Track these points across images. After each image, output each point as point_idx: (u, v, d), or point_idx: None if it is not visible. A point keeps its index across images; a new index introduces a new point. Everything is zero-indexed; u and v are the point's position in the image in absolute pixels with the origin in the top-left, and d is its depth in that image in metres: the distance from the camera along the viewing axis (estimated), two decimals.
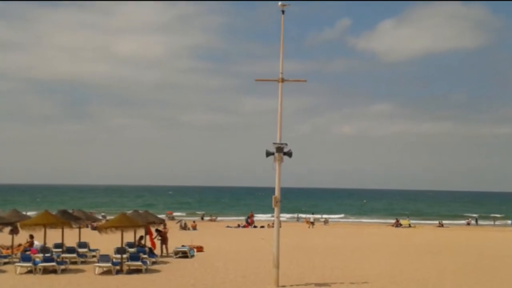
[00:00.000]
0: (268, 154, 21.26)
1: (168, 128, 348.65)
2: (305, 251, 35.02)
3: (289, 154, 21.25)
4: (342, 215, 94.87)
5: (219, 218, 77.82)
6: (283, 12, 21.53)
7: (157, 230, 33.05)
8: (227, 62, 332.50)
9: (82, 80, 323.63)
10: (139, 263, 25.56)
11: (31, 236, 30.50)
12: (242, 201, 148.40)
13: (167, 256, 31.72)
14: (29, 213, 41.68)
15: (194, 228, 56.18)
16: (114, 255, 27.28)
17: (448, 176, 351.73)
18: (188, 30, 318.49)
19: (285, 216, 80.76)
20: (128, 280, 22.92)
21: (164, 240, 32.69)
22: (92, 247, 31.17)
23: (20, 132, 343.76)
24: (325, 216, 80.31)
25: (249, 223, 62.41)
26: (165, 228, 33.37)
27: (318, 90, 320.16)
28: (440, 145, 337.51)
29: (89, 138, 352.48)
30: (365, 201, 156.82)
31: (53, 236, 30.79)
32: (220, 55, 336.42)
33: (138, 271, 25.22)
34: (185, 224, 56.96)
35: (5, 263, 27.28)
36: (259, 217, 77.24)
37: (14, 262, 26.60)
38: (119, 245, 27.07)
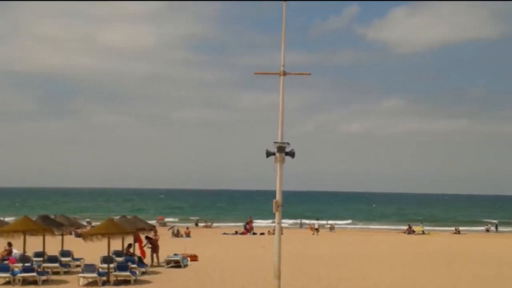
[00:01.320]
0: (269, 154, 21.27)
1: (159, 126, 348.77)
2: (309, 260, 35.05)
3: (291, 154, 21.26)
4: (349, 221, 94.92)
5: (215, 224, 77.83)
6: None
7: (147, 238, 33.06)
8: (224, 53, 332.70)
9: (64, 73, 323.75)
10: (128, 273, 25.59)
11: (9, 244, 30.49)
12: (240, 206, 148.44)
13: (158, 265, 31.74)
14: (7, 219, 41.69)
15: (188, 235, 56.17)
16: (100, 265, 27.30)
17: (466, 178, 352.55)
18: (182, 19, 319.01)
19: (287, 222, 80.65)
20: None
21: (154, 248, 32.71)
22: (76, 256, 31.19)
23: None
24: (330, 222, 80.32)
25: (248, 229, 62.43)
26: (155, 235, 33.38)
27: (323, 84, 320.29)
28: (456, 144, 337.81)
29: (72, 137, 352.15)
30: (374, 205, 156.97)
31: (34, 244, 30.79)
32: (216, 46, 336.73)
33: (126, 282, 25.24)
34: (177, 230, 56.98)
35: None
36: (258, 223, 77.18)
37: None
38: (106, 254, 27.09)
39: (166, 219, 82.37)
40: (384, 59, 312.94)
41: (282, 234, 23.84)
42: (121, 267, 26.04)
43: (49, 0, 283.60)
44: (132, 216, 34.24)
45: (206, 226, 74.27)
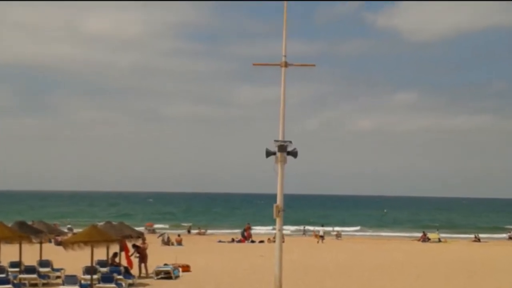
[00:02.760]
0: (269, 154, 21.30)
1: (148, 122, 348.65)
2: (313, 271, 35.06)
3: (294, 154, 21.30)
4: (357, 228, 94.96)
5: (209, 231, 77.85)
6: None
7: (134, 246, 33.07)
8: (219, 43, 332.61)
9: (43, 64, 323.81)
10: (113, 285, 25.61)
11: None
12: (237, 211, 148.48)
13: (147, 277, 31.74)
14: None
15: (179, 243, 56.17)
16: (82, 276, 27.31)
17: (487, 181, 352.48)
18: (172, 4, 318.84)
19: (289, 229, 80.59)
20: None
21: (143, 258, 32.72)
22: (56, 266, 31.18)
23: None
24: (337, 228, 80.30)
25: (246, 237, 62.44)
26: (144, 243, 33.38)
27: (329, 76, 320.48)
28: (477, 143, 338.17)
29: (52, 134, 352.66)
30: (385, 210, 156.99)
31: (9, 253, 30.78)
32: (210, 35, 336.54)
33: None
34: (168, 238, 56.97)
35: None
36: (257, 230, 77.12)
37: None
38: (89, 264, 27.10)
39: (156, 226, 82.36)
40: (396, 48, 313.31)
41: (283, 242, 23.86)
42: (106, 278, 26.05)
43: None
44: (118, 222, 34.23)
45: (199, 233, 74.27)
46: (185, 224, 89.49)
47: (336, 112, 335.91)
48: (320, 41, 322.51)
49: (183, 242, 56.53)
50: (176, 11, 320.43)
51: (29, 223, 33.14)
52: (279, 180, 21.45)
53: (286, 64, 21.71)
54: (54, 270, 30.55)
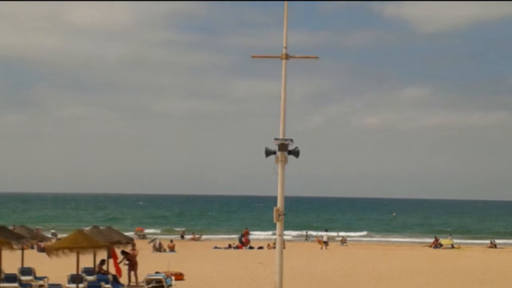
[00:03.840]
0: (269, 153, 21.32)
1: (138, 119, 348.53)
2: (316, 280, 35.07)
3: (295, 153, 21.31)
4: (364, 233, 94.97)
5: (204, 237, 77.89)
6: None
7: (123, 252, 33.07)
8: (215, 33, 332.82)
9: (25, 56, 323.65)
10: None
11: None
12: (234, 215, 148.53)
13: (137, 285, 31.75)
14: None
15: (172, 249, 56.17)
16: (67, 285, 27.30)
17: (504, 182, 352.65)
18: None
19: (290, 234, 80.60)
20: None
21: (132, 265, 32.72)
22: (38, 275, 31.16)
23: None
24: (342, 233, 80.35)
25: (244, 242, 62.46)
26: (133, 249, 33.38)
27: (333, 69, 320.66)
28: (493, 141, 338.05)
29: (34, 132, 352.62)
30: (394, 214, 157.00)
31: None
32: (205, 24, 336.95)
33: None
34: (160, 244, 56.98)
35: None
36: (256, 235, 77.14)
37: None
38: (74, 272, 27.10)
39: (146, 231, 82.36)
40: (405, 40, 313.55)
41: (284, 248, 23.87)
42: (93, 287, 26.04)
43: None
44: (106, 227, 34.22)
45: (194, 239, 74.29)
46: (178, 229, 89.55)
47: (341, 109, 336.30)
48: (323, 32, 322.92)
49: (176, 248, 56.51)
50: None
51: (10, 227, 33.16)
52: (279, 182, 21.47)
53: (287, 56, 21.72)
54: (36, 278, 30.52)
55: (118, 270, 31.71)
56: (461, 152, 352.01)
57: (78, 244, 25.40)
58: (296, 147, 21.31)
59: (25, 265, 31.44)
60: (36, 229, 49.30)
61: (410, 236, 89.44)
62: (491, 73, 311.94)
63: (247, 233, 65.50)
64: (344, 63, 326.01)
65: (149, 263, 38.88)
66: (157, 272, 33.19)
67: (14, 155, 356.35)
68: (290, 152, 21.29)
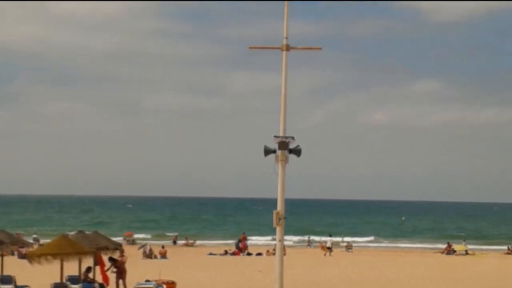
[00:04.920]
0: (268, 152, 21.34)
1: (127, 116, 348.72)
2: None
3: (297, 151, 21.33)
4: (371, 238, 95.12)
5: (198, 242, 77.96)
6: None
7: (111, 259, 33.10)
8: (210, 22, 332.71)
9: (4, 47, 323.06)
10: None
11: None
12: (230, 218, 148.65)
13: None
14: None
15: (164, 256, 56.21)
16: None
17: None
18: None
19: (291, 239, 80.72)
20: None
21: (121, 273, 32.75)
22: (19, 283, 31.19)
23: None
24: (347, 239, 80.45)
25: (241, 248, 62.52)
26: (122, 256, 33.42)
27: (338, 62, 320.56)
28: (510, 139, 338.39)
29: (14, 129, 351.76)
30: (403, 218, 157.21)
31: None
32: (199, 13, 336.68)
33: None
34: (150, 250, 57.03)
35: None
36: (254, 241, 77.24)
37: None
38: (58, 280, 27.12)
39: (136, 236, 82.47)
40: (416, 30, 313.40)
41: (284, 254, 23.91)
42: None
43: None
44: (92, 231, 34.25)
45: (187, 245, 74.37)
46: (170, 234, 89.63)
47: (346, 104, 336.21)
48: (327, 21, 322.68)
49: (167, 255, 56.58)
50: None
51: None
52: (279, 183, 21.49)
53: (288, 48, 21.74)
54: (17, 287, 30.55)
55: (105, 278, 31.73)
56: (476, 151, 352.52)
57: (62, 250, 25.43)
58: (298, 146, 21.32)
59: (5, 273, 31.44)
60: (17, 234, 49.27)
61: (420, 242, 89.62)
62: (508, 65, 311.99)
63: (245, 239, 65.53)
64: (350, 54, 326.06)
65: (139, 271, 38.92)
66: (147, 281, 33.19)
67: None
68: (291, 151, 21.30)
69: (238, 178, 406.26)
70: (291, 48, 21.73)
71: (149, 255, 55.92)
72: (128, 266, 33.77)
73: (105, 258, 32.54)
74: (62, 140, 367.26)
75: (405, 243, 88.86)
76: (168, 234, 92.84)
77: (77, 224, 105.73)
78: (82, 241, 29.65)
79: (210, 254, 61.13)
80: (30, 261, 25.65)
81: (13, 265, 36.96)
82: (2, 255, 31.40)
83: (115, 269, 32.92)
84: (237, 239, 67.08)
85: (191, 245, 74.54)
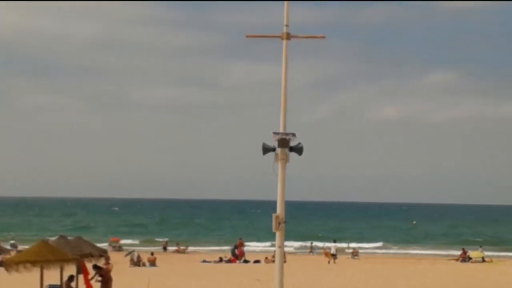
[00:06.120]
0: (267, 150, 21.38)
1: (113, 111, 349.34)
2: None
3: (298, 150, 21.38)
4: (379, 244, 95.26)
5: (190, 249, 78.02)
6: None
7: (95, 267, 33.14)
8: (204, 9, 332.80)
9: None
10: None
11: None
12: (226, 222, 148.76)
13: None
14: None
15: (153, 263, 56.24)
16: None
17: None
18: None
19: (292, 245, 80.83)
20: None
21: (106, 282, 32.79)
22: None
23: None
24: (353, 245, 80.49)
25: (237, 255, 62.57)
26: (107, 263, 33.45)
27: (344, 51, 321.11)
28: None
29: None
30: (414, 222, 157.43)
31: None
32: None
33: None
34: (138, 257, 57.07)
35: None
36: (252, 247, 77.27)
37: None
38: None
39: (122, 241, 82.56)
40: (429, 17, 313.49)
41: (285, 262, 23.95)
42: None
43: None
44: (75, 237, 34.27)
45: (178, 251, 74.44)
46: (160, 240, 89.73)
47: (353, 97, 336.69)
48: (331, 7, 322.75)
49: (157, 262, 56.61)
50: None
51: None
52: (279, 184, 21.53)
53: (289, 36, 21.78)
54: None
55: (89, 287, 31.78)
56: (494, 149, 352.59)
57: (42, 257, 25.44)
58: (299, 143, 21.36)
59: None
60: None
61: (433, 248, 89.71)
62: None
63: (241, 245, 65.54)
64: (356, 44, 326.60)
65: (126, 280, 38.97)
66: None
67: None
68: (291, 149, 21.35)
69: (234, 178, 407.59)
70: (292, 36, 21.77)
71: (137, 262, 55.95)
72: (114, 274, 33.81)
73: (89, 266, 32.58)
74: (41, 137, 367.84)
75: (416, 249, 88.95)
76: (157, 239, 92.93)
77: (59, 228, 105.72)
78: (64, 247, 29.66)
79: (204, 261, 61.18)
80: (7, 269, 25.65)
81: None
82: None
83: (99, 278, 32.96)
84: (233, 245, 67.11)
85: (183, 251, 74.58)
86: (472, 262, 64.90)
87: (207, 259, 62.46)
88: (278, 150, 21.26)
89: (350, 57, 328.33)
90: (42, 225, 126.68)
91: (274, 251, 23.23)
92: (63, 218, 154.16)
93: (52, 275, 28.52)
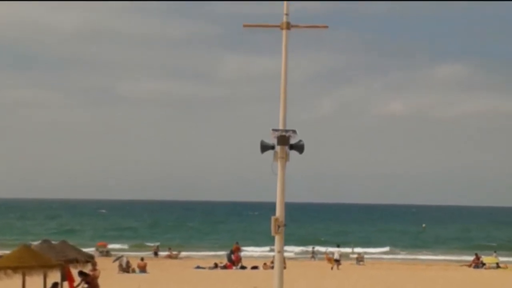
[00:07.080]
0: (265, 148, 21.39)
1: (99, 105, 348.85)
2: None
3: (299, 147, 21.40)
4: (386, 249, 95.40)
5: (183, 254, 78.09)
6: None
7: (81, 273, 33.17)
8: None
9: None
10: None
11: None
12: (221, 226, 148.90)
13: None
14: None
15: (143, 269, 56.27)
16: None
17: None
18: None
19: (292, 250, 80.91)
20: None
21: None
22: None
23: None
24: (358, 250, 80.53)
25: (234, 261, 62.61)
26: (94, 269, 33.47)
27: (348, 42, 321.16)
28: None
29: None
30: (424, 225, 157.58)
31: None
32: None
33: None
34: (127, 263, 57.10)
35: None
36: (249, 252, 77.36)
37: None
38: None
39: (110, 246, 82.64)
40: (440, 6, 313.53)
41: (284, 268, 23.98)
42: None
43: None
44: (60, 241, 34.29)
45: (170, 256, 74.49)
46: (151, 244, 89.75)
47: (357, 91, 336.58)
48: None
49: (148, 268, 56.65)
50: None
51: None
52: (278, 184, 21.55)
53: (289, 26, 21.80)
54: None
55: None
56: (509, 147, 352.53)
57: (25, 263, 25.47)
58: (300, 141, 21.39)
59: None
60: None
61: (444, 253, 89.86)
62: None
63: (238, 249, 65.60)
64: (361, 34, 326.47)
65: (114, 287, 38.99)
66: None
67: None
68: (292, 147, 21.37)
69: (230, 178, 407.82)
70: (293, 26, 21.78)
71: (126, 268, 55.98)
72: (101, 281, 33.87)
73: (74, 272, 32.62)
74: (24, 134, 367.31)
75: (426, 254, 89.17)
76: (148, 244, 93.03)
77: (42, 232, 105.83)
78: (48, 252, 29.69)
79: (198, 267, 61.23)
80: None
81: None
82: None
83: (86, 285, 33.01)
84: (229, 250, 67.16)
85: (175, 257, 74.64)
86: (485, 268, 64.98)
87: (201, 265, 62.51)
88: (278, 148, 21.29)
89: (354, 49, 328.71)
90: (24, 228, 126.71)
91: (273, 257, 23.25)
92: (47, 221, 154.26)
93: (35, 282, 28.57)
